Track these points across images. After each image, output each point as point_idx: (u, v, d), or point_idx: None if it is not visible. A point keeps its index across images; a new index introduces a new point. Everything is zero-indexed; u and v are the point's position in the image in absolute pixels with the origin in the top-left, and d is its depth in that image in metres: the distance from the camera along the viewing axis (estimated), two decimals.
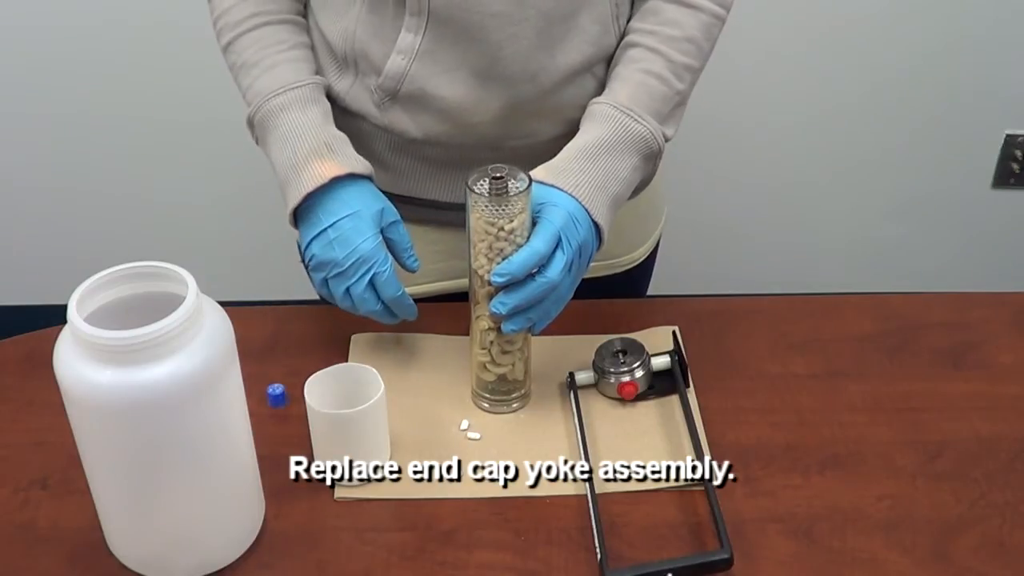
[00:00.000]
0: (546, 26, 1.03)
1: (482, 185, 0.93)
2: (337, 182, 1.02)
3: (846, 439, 1.02)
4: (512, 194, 0.92)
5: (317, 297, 1.18)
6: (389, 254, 1.03)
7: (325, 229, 1.01)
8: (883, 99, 2.17)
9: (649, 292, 1.37)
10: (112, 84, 2.10)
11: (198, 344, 0.79)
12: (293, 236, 1.06)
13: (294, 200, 1.02)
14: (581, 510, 0.95)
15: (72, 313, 0.78)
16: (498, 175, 0.93)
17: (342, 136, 1.06)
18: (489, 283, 0.96)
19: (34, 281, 2.31)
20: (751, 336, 1.15)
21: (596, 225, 1.00)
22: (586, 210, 0.99)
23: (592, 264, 1.03)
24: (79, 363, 0.77)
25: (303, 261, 1.05)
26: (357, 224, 1.00)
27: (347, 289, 1.01)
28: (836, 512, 0.95)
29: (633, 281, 1.29)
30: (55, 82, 2.10)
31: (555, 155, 1.03)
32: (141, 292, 0.83)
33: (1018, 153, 2.24)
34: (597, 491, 0.95)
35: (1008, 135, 2.22)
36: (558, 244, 0.96)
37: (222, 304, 0.84)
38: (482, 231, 0.94)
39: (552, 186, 0.99)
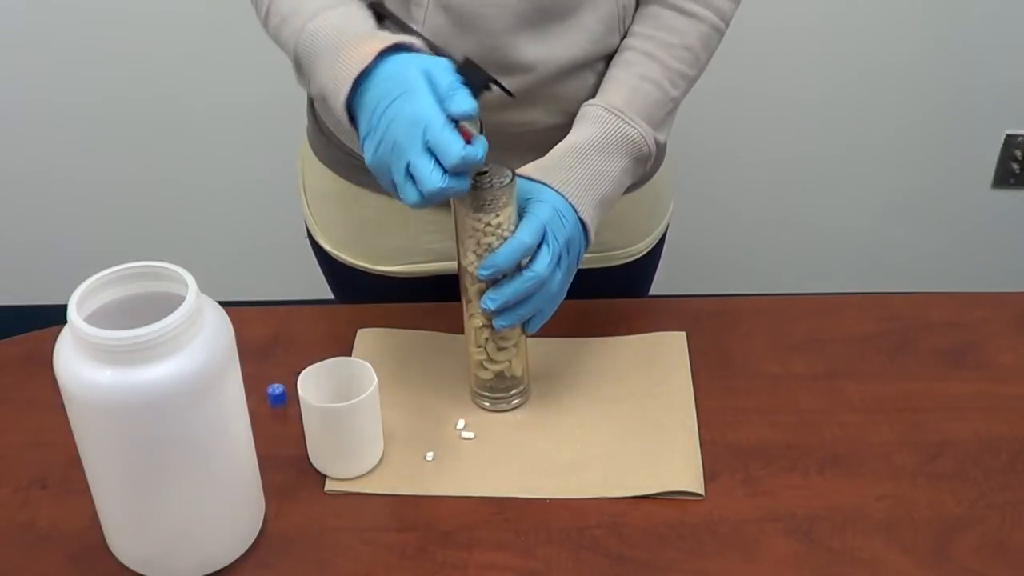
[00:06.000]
0: (543, 20, 1.03)
1: None
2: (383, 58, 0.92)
3: (846, 439, 1.02)
4: (496, 188, 0.93)
5: (317, 297, 1.18)
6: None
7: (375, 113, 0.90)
8: (883, 99, 2.17)
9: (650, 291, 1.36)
10: (112, 83, 2.10)
11: (198, 344, 0.79)
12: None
13: (343, 89, 0.91)
14: (581, 510, 0.95)
15: (72, 313, 0.78)
16: (482, 171, 0.94)
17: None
18: (479, 279, 0.96)
19: (34, 281, 2.31)
20: (751, 336, 1.15)
21: (583, 223, 1.00)
22: (572, 207, 0.99)
23: (587, 255, 1.03)
24: (79, 363, 0.77)
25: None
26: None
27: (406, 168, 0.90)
28: (836, 512, 0.95)
29: (632, 277, 1.28)
30: (55, 82, 2.10)
31: (553, 143, 1.04)
32: (141, 292, 0.83)
33: (1018, 153, 2.24)
34: (595, 495, 0.96)
35: (1008, 135, 2.22)
36: (544, 239, 0.96)
37: (222, 304, 0.84)
38: (469, 227, 0.94)
39: (539, 182, 0.99)
